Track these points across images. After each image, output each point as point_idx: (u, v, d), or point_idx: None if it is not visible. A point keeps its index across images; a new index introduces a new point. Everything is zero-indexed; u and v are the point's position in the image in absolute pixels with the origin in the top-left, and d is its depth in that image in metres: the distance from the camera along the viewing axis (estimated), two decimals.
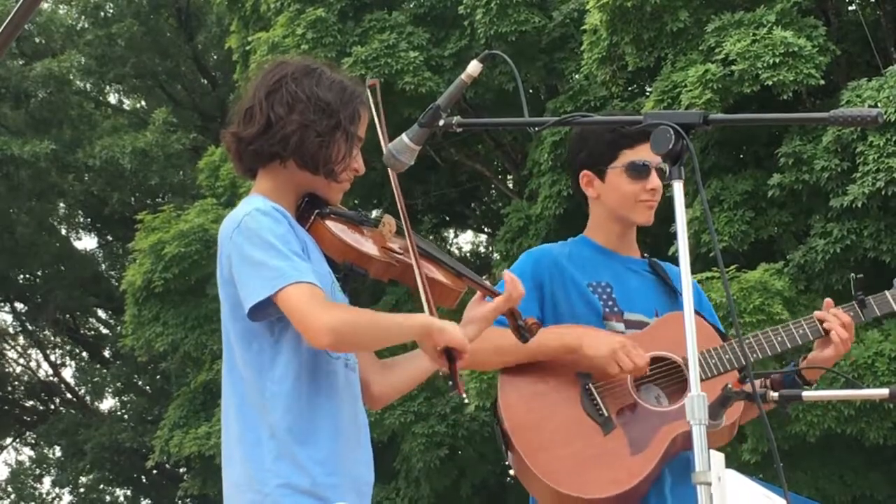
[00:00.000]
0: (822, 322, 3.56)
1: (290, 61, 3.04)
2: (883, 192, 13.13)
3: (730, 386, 2.83)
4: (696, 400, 2.47)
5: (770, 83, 13.63)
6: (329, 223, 2.95)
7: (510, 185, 22.22)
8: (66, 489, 31.46)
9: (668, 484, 3.45)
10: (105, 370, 31.76)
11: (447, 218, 25.83)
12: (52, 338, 32.69)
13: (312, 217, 2.96)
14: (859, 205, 13.38)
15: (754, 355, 3.54)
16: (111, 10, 28.66)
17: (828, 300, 3.63)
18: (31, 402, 32.66)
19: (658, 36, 15.12)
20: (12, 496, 31.23)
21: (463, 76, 2.89)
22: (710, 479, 2.43)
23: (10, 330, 32.31)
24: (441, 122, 2.90)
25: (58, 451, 31.37)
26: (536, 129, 3.01)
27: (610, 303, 3.62)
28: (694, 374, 2.50)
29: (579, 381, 3.53)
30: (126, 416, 30.58)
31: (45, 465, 32.18)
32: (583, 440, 3.44)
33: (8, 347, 32.19)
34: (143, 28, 27.77)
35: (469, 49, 18.22)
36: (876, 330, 13.61)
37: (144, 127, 26.92)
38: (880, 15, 16.24)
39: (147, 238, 20.69)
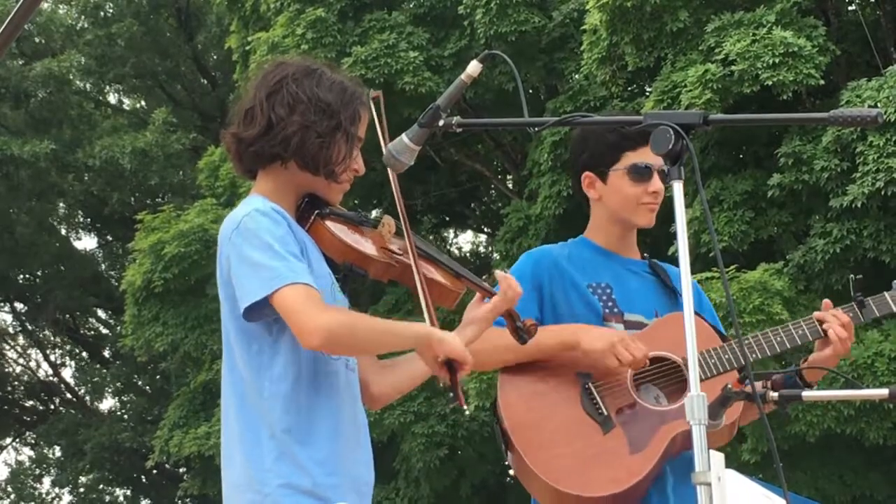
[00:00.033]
0: (821, 322, 3.56)
1: (291, 62, 3.04)
2: (883, 193, 13.13)
3: (730, 386, 2.83)
4: (696, 400, 2.47)
5: (770, 83, 13.63)
6: (329, 223, 2.95)
7: (510, 185, 22.22)
8: (66, 489, 31.46)
9: (670, 483, 3.46)
10: (105, 370, 31.75)
11: (447, 218, 25.83)
12: (52, 338, 32.69)
13: (312, 217, 2.96)
14: (859, 205, 13.38)
15: (754, 355, 3.54)
16: (111, 10, 28.66)
17: (826, 301, 3.64)
18: (31, 402, 32.66)
19: (658, 36, 15.12)
20: (12, 496, 31.23)
21: (463, 76, 2.90)
22: (709, 479, 2.43)
23: (10, 330, 32.32)
24: (441, 123, 2.91)
25: (57, 451, 31.38)
26: (536, 129, 3.01)
27: (610, 304, 3.62)
28: (694, 374, 2.50)
29: (579, 380, 3.53)
30: (126, 416, 30.59)
31: (44, 465, 32.19)
32: (582, 439, 3.44)
33: (8, 347, 32.19)
34: (142, 28, 27.76)
35: (469, 49, 18.22)
36: (876, 330, 13.61)
37: (144, 127, 26.91)
38: (880, 15, 16.24)
39: (147, 238, 20.69)
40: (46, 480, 32.15)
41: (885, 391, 2.96)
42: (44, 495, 32.10)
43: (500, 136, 20.92)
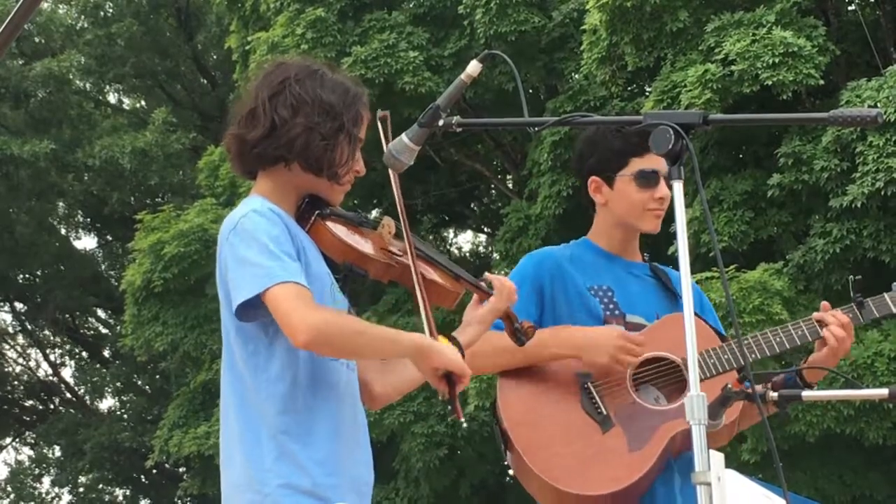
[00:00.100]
0: (820, 323, 3.56)
1: (291, 62, 3.03)
2: (882, 193, 13.13)
3: (729, 386, 2.83)
4: (696, 400, 2.48)
5: (770, 83, 13.63)
6: (329, 224, 2.96)
7: (510, 185, 22.22)
8: (66, 489, 31.46)
9: (677, 484, 3.47)
10: (104, 370, 31.75)
11: (447, 218, 25.83)
12: (52, 337, 32.69)
13: (313, 218, 2.96)
14: (859, 205, 13.38)
15: (753, 356, 3.54)
16: (111, 10, 28.65)
17: (825, 303, 3.65)
18: (31, 402, 32.66)
19: (658, 36, 15.12)
20: (12, 496, 31.23)
21: (462, 76, 2.90)
22: (709, 479, 2.44)
23: (10, 329, 32.32)
24: (441, 122, 2.91)
25: (57, 451, 31.37)
26: (536, 129, 3.01)
27: (611, 306, 3.64)
28: (693, 374, 2.50)
29: (578, 380, 3.54)
30: (125, 416, 30.59)
31: (44, 465, 32.18)
32: (582, 438, 3.45)
33: (7, 347, 32.19)
34: (142, 28, 27.76)
35: (469, 49, 18.22)
36: (875, 330, 13.61)
37: (144, 127, 26.91)
38: (880, 15, 16.23)
39: (147, 238, 20.69)
40: (46, 480, 32.18)
41: (884, 391, 2.96)
42: (43, 495, 32.11)
43: (499, 136, 20.92)
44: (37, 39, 28.12)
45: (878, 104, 12.87)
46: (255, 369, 2.85)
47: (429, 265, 3.05)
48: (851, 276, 3.74)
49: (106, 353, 32.28)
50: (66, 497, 31.69)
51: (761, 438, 13.61)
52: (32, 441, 32.43)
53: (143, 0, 28.13)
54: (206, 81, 30.25)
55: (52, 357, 32.68)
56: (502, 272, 14.06)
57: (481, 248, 28.26)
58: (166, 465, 27.48)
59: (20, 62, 27.06)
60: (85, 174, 27.69)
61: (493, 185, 23.50)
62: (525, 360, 3.52)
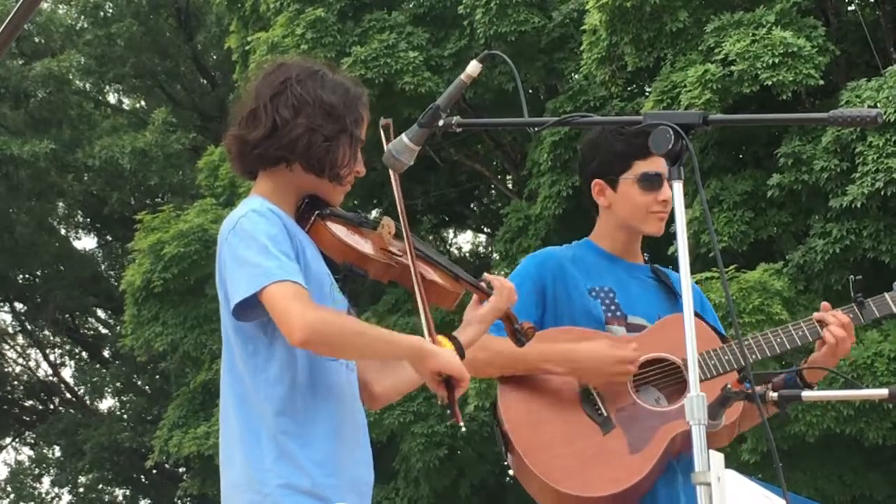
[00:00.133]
0: (821, 323, 3.56)
1: (292, 62, 3.03)
2: (882, 193, 13.13)
3: (729, 386, 2.83)
4: (696, 400, 2.47)
5: (769, 83, 13.63)
6: (329, 224, 2.96)
7: (510, 185, 22.22)
8: (66, 489, 31.46)
9: (680, 484, 3.47)
10: (104, 370, 31.75)
11: (447, 218, 25.83)
12: (52, 338, 32.69)
13: (313, 218, 2.96)
14: (858, 205, 13.38)
15: (753, 356, 3.54)
16: (111, 10, 28.66)
17: (825, 304, 3.65)
18: (31, 402, 32.66)
19: (657, 36, 15.12)
20: (11, 496, 31.23)
21: (462, 76, 2.90)
22: (709, 479, 2.44)
23: (10, 330, 32.32)
24: (440, 123, 2.91)
25: (57, 451, 31.37)
26: (536, 129, 3.01)
27: (613, 307, 3.64)
28: (693, 374, 2.50)
29: (579, 381, 3.54)
30: (125, 416, 30.59)
31: (44, 465, 32.18)
32: (582, 440, 3.45)
33: (7, 347, 32.19)
34: (142, 28, 27.76)
35: (469, 49, 18.22)
36: (875, 330, 13.61)
37: (144, 127, 26.91)
38: (880, 15, 16.24)
39: (146, 238, 20.70)
40: (46, 480, 32.19)
41: (884, 391, 2.96)
42: (43, 495, 32.11)
43: (499, 136, 20.92)
44: (37, 39, 28.12)
45: (878, 104, 12.87)
46: (255, 370, 2.84)
47: (428, 265, 3.05)
48: (852, 276, 3.73)
49: (106, 354, 32.28)
50: (66, 497, 31.73)
51: (761, 438, 13.61)
52: (32, 441, 32.44)
53: (143, 0, 28.13)
54: (205, 81, 30.25)
55: (51, 357, 32.69)
56: (502, 272, 14.06)
57: (481, 249, 28.27)
58: (166, 466, 27.48)
59: (20, 62, 27.07)
60: (85, 174, 27.69)
61: (492, 186, 23.50)
62: (524, 371, 3.53)
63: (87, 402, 32.01)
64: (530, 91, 20.86)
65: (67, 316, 31.82)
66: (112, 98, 31.26)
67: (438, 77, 18.02)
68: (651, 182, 3.61)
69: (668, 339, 3.53)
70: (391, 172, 3.01)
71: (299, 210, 2.99)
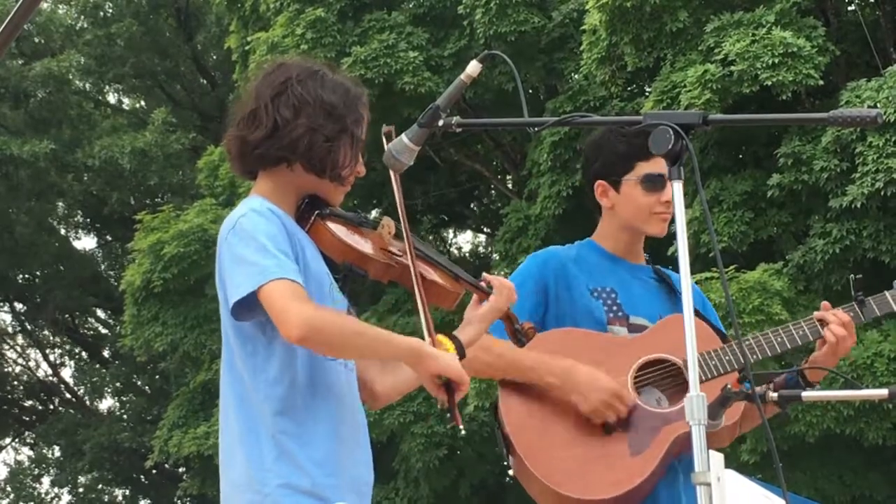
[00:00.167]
0: (821, 322, 3.56)
1: (292, 62, 3.03)
2: (882, 193, 13.13)
3: (729, 386, 2.83)
4: (696, 400, 2.47)
5: (769, 83, 13.63)
6: (329, 224, 2.96)
7: (509, 185, 22.22)
8: (65, 489, 31.46)
9: (681, 484, 3.47)
10: (104, 370, 31.75)
11: (446, 218, 25.82)
12: (52, 338, 32.69)
13: (312, 218, 2.96)
14: (858, 205, 13.38)
15: (754, 356, 3.54)
16: (110, 10, 28.66)
17: (825, 303, 3.65)
18: (31, 402, 32.65)
19: (657, 36, 15.12)
20: (11, 496, 31.22)
21: (462, 76, 2.90)
22: (709, 479, 2.44)
23: (10, 330, 32.32)
24: (440, 123, 2.91)
25: (57, 451, 31.37)
26: (536, 129, 3.01)
27: (615, 308, 3.64)
28: (693, 374, 2.50)
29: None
30: (125, 416, 30.58)
31: (44, 465, 32.17)
32: (584, 442, 3.45)
33: (7, 347, 32.19)
34: (142, 28, 27.76)
35: (468, 49, 18.21)
36: (875, 330, 13.61)
37: (144, 127, 26.91)
38: (880, 15, 16.23)
39: (146, 238, 20.69)
40: (46, 480, 32.18)
41: (884, 391, 2.96)
42: (43, 495, 32.10)
43: (499, 136, 20.92)
44: (37, 39, 28.12)
45: (878, 104, 12.87)
46: (254, 369, 2.84)
47: (428, 265, 3.05)
48: (852, 275, 3.73)
49: (105, 354, 32.28)
50: (66, 497, 31.72)
51: (761, 439, 13.61)
52: (32, 441, 32.43)
53: (143, 0, 28.13)
54: (205, 81, 30.25)
55: (51, 357, 32.68)
56: (502, 272, 14.07)
57: (481, 249, 28.27)
58: (166, 466, 27.47)
59: (20, 62, 27.07)
60: (85, 174, 27.69)
61: (492, 186, 23.50)
62: (525, 381, 3.53)
63: (87, 402, 32.01)
64: (530, 91, 20.86)
65: (67, 316, 31.82)
66: (112, 98, 31.28)
67: (438, 77, 18.01)
68: (654, 183, 3.61)
69: (668, 339, 3.53)
70: (391, 172, 3.01)
71: (299, 210, 2.98)
